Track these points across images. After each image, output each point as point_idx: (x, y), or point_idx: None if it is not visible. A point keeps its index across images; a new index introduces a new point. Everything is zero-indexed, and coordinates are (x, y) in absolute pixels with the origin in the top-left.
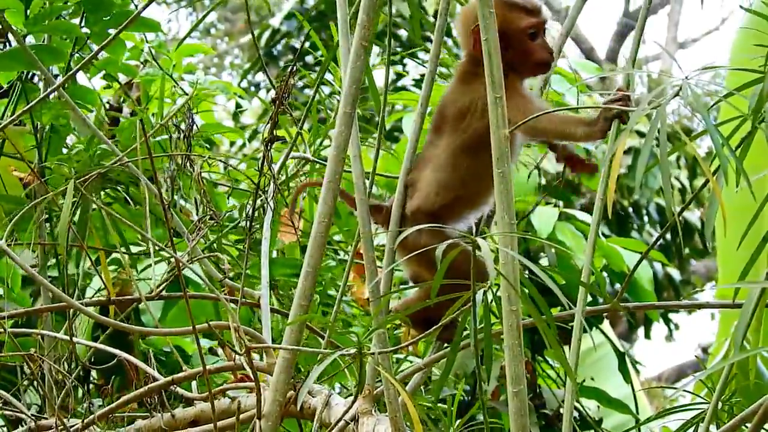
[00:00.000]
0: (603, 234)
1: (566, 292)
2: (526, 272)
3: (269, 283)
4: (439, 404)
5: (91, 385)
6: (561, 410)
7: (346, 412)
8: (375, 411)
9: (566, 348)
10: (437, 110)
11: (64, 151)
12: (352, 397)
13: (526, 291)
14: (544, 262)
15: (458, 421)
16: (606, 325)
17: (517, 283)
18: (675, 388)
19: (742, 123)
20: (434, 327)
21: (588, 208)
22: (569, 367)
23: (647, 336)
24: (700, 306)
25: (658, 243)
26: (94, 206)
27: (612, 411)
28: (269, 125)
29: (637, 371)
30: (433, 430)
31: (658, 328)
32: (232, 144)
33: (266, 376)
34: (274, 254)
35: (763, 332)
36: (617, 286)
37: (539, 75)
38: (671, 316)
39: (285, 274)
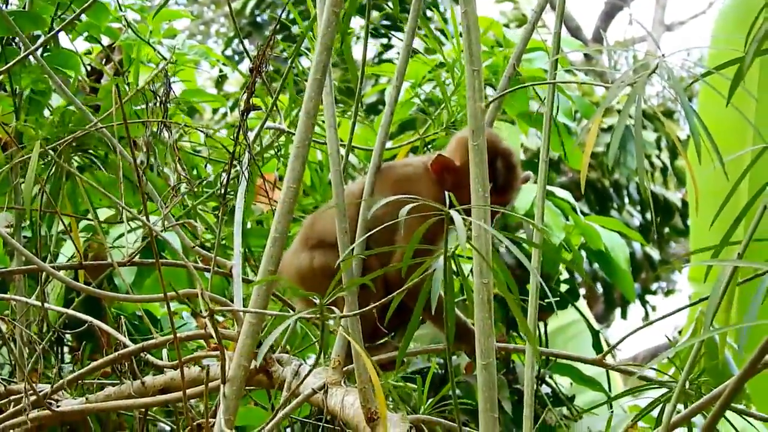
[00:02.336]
0: (581, 212)
1: (543, 268)
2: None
3: (243, 252)
4: (409, 383)
5: (65, 350)
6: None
7: (306, 376)
8: (344, 382)
9: (541, 324)
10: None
11: (47, 114)
12: (320, 367)
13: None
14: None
15: (430, 400)
16: (582, 303)
17: (489, 257)
18: (641, 366)
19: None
20: (398, 291)
21: (569, 186)
22: (534, 337)
23: (623, 316)
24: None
25: (637, 222)
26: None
27: (584, 388)
28: (246, 95)
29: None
30: (401, 405)
31: (635, 309)
32: (215, 112)
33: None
34: (251, 225)
35: (735, 313)
36: (596, 265)
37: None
38: (648, 297)
39: (260, 245)
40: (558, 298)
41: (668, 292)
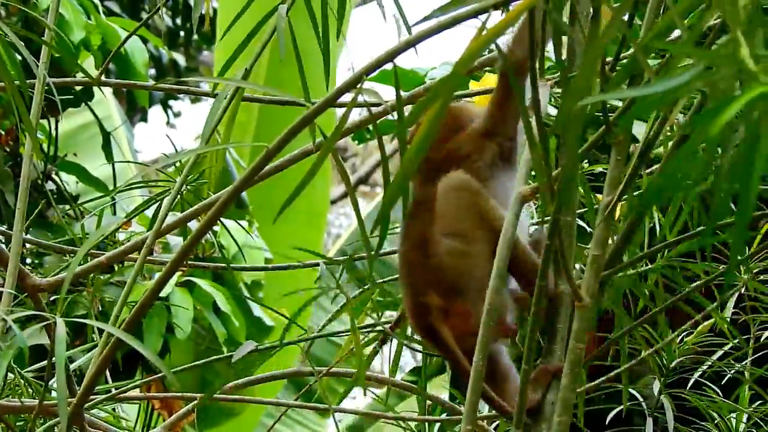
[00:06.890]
0: (110, 12)
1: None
2: None
3: None
4: None
5: None
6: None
7: None
8: None
9: (52, 121)
10: None
11: None
12: None
13: None
14: None
15: None
16: (111, 101)
17: None
18: (147, 164)
19: None
20: None
21: None
22: (34, 133)
23: (144, 120)
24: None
25: (168, 28)
26: None
27: (90, 188)
28: None
29: (127, 152)
30: None
31: (158, 113)
32: None
33: None
34: None
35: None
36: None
37: None
38: (173, 103)
39: None
40: (71, 96)
41: (195, 100)
